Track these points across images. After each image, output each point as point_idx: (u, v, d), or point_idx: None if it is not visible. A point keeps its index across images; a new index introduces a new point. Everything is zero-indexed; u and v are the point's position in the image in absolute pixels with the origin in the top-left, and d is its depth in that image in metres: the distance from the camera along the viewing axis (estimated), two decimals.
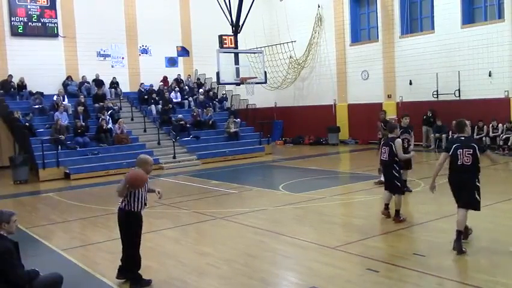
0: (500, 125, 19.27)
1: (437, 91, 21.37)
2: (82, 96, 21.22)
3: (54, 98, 20.92)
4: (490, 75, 19.66)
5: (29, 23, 22.11)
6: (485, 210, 9.95)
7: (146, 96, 23.47)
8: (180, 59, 26.67)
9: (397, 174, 9.05)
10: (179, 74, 25.96)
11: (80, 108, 20.12)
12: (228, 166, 19.33)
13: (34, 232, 9.71)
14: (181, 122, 21.71)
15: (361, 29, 25.60)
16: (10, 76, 21.27)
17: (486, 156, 7.62)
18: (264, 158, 21.07)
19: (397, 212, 9.06)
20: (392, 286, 6.06)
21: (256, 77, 22.12)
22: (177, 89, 24.78)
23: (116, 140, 19.73)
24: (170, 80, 25.64)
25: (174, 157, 19.91)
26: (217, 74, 20.82)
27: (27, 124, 18.84)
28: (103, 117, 19.92)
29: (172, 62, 26.44)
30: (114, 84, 23.84)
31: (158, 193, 6.88)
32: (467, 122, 7.68)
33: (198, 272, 6.95)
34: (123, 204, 6.57)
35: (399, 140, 9.22)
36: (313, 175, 14.04)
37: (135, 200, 6.44)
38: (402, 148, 9.57)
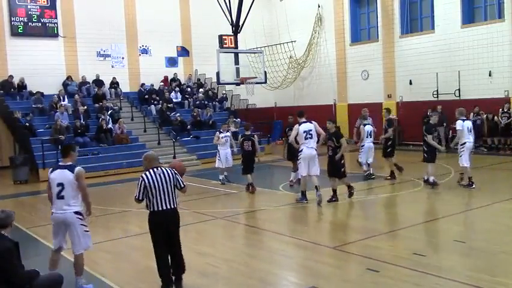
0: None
1: (437, 91, 21.37)
2: (77, 96, 21.22)
3: (56, 98, 20.94)
4: (490, 75, 19.66)
5: (29, 23, 22.09)
6: (485, 210, 9.98)
7: (146, 96, 23.48)
8: (180, 59, 26.66)
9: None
10: (175, 73, 25.88)
11: (82, 108, 20.13)
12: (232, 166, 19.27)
13: (34, 232, 9.71)
14: (177, 120, 21.73)
15: (361, 29, 25.59)
16: (11, 76, 21.24)
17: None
18: (264, 158, 21.03)
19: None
20: (392, 286, 6.06)
21: (256, 77, 22.09)
22: (177, 89, 24.79)
23: (116, 140, 19.73)
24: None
25: (174, 157, 19.86)
26: (217, 74, 20.80)
27: (27, 124, 18.83)
28: (103, 117, 19.92)
29: (172, 62, 26.44)
30: (114, 84, 23.83)
31: None
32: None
33: (198, 272, 6.95)
34: (176, 202, 6.21)
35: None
36: None
37: None
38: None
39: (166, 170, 6.14)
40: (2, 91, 20.98)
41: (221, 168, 14.84)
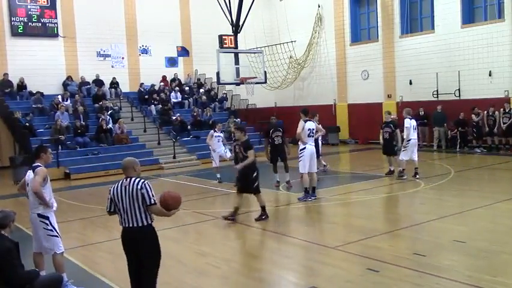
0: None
1: (437, 91, 21.36)
2: (78, 96, 21.26)
3: (59, 98, 20.92)
4: (490, 75, 19.65)
5: (29, 23, 22.09)
6: (485, 210, 9.98)
7: (146, 96, 23.48)
8: (180, 59, 26.66)
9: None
10: (175, 73, 25.90)
11: (81, 109, 20.13)
12: (228, 166, 19.27)
13: None
14: (177, 120, 21.76)
15: (361, 29, 25.58)
16: (6, 75, 21.12)
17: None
18: (264, 158, 21.01)
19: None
20: (392, 286, 6.06)
21: (256, 77, 22.09)
22: (177, 89, 24.80)
23: (116, 140, 19.73)
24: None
25: (174, 157, 19.91)
26: (217, 74, 20.80)
27: (27, 124, 18.83)
28: (103, 117, 19.92)
29: (172, 62, 26.44)
30: (114, 84, 23.83)
31: None
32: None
33: (197, 272, 6.95)
34: (150, 219, 5.26)
35: None
36: None
37: None
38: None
39: (133, 182, 5.18)
40: (5, 91, 20.94)
41: (215, 168, 15.33)
